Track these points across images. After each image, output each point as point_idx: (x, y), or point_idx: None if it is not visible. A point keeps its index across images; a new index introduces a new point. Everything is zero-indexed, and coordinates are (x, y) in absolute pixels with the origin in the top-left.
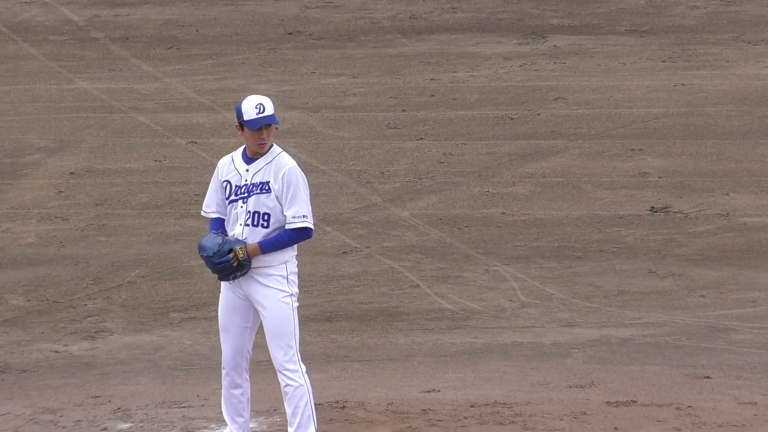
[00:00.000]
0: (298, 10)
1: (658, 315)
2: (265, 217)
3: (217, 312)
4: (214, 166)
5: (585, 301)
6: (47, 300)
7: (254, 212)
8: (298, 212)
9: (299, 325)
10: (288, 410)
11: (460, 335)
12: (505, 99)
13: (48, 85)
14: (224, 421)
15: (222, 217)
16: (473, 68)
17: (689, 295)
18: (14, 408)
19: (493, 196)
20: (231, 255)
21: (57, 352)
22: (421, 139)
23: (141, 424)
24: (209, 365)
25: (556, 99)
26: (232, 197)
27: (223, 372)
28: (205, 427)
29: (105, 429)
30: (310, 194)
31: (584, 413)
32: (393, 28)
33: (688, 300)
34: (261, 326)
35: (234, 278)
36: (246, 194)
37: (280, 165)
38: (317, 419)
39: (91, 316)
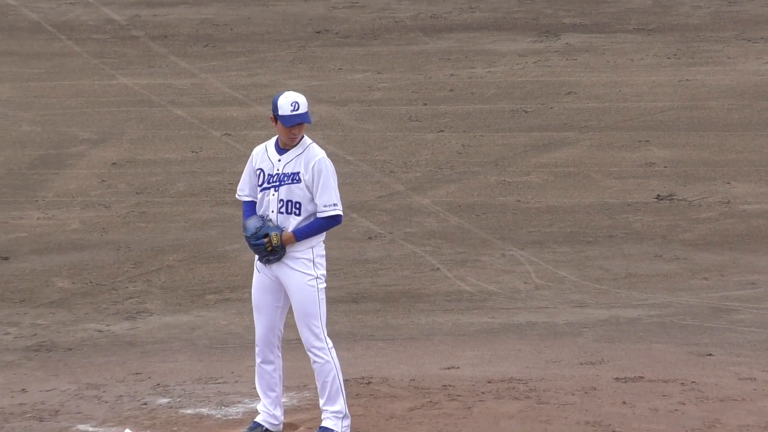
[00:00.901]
0: (325, 10)
1: (664, 296)
2: (297, 206)
3: (249, 294)
4: (247, 156)
5: (595, 283)
6: (91, 283)
7: (287, 201)
8: (329, 201)
9: (326, 305)
10: (318, 385)
11: (478, 315)
12: (520, 93)
13: (91, 80)
14: (257, 395)
15: (254, 200)
16: (490, 64)
17: (693, 277)
18: (60, 384)
19: (509, 184)
20: (266, 240)
21: (100, 331)
22: (442, 131)
23: (179, 399)
24: (243, 344)
25: (568, 93)
26: (265, 185)
27: (257, 349)
28: (239, 402)
29: (145, 404)
30: (338, 183)
31: (594, 388)
32: (415, 26)
33: (691, 282)
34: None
35: (267, 261)
36: (278, 183)
37: (311, 156)
38: (346, 392)
39: (132, 297)
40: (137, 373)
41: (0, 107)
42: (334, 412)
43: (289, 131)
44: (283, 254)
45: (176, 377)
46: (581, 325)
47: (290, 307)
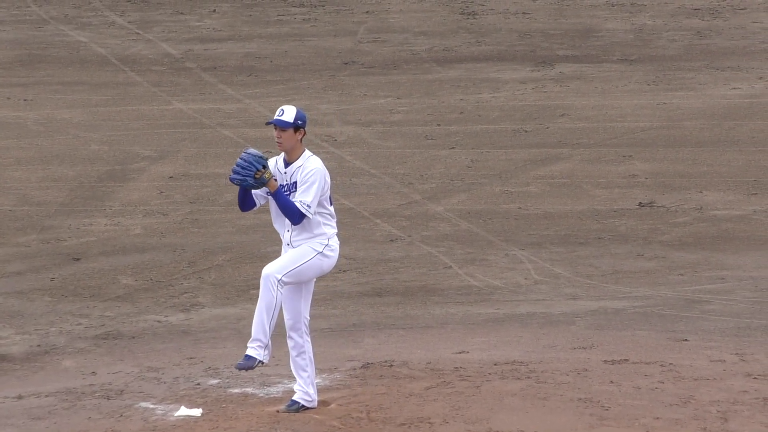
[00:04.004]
0: (352, 44)
1: (645, 290)
2: None
3: None
4: None
5: (586, 278)
6: (151, 280)
7: None
8: (305, 201)
9: (310, 272)
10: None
11: (485, 307)
12: (520, 115)
13: (151, 106)
14: (293, 375)
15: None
16: (495, 90)
17: (670, 273)
18: (125, 367)
19: (511, 194)
20: (262, 168)
21: (159, 322)
22: (453, 148)
23: (227, 380)
24: (282, 332)
25: (562, 115)
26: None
27: (287, 336)
28: (280, 383)
29: (198, 384)
30: (364, 193)
31: (586, 369)
32: (429, 58)
33: (669, 277)
34: (315, 295)
35: (244, 184)
36: (287, 192)
37: (306, 166)
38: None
39: (186, 292)
40: (191, 358)
41: (72, 129)
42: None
43: (275, 133)
44: (259, 188)
45: (225, 361)
46: (574, 315)
47: (312, 297)
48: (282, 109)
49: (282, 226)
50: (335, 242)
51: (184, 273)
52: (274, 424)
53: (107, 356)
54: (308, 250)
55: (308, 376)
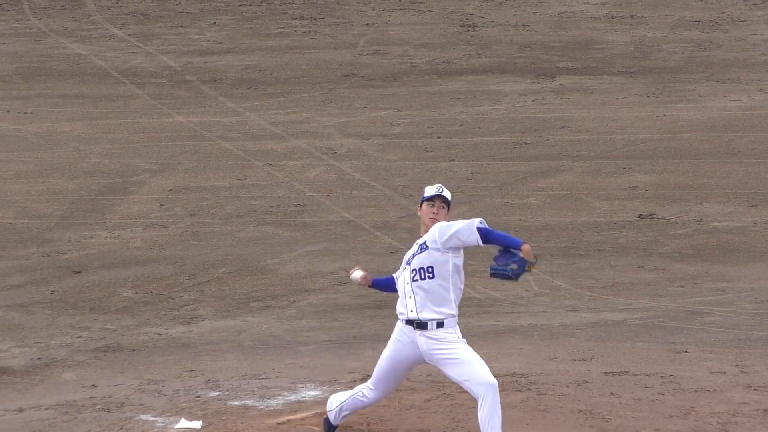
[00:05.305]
0: (352, 57)
1: (646, 301)
2: (429, 269)
3: (288, 301)
4: (286, 183)
5: (586, 290)
6: (151, 292)
7: (418, 269)
8: (475, 221)
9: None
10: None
11: (485, 319)
12: (521, 127)
13: (151, 119)
14: (295, 389)
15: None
16: (495, 102)
17: (670, 285)
18: (125, 380)
19: (512, 206)
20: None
21: (159, 334)
22: (453, 160)
23: (227, 392)
24: (282, 344)
25: (562, 127)
26: (404, 264)
27: (367, 390)
28: (280, 395)
29: (198, 396)
30: (364, 205)
31: (586, 381)
32: (430, 70)
33: (669, 289)
34: (314, 307)
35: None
36: (417, 252)
37: (436, 228)
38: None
39: (186, 305)
40: (191, 370)
41: (73, 142)
42: None
43: (430, 210)
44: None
45: (225, 373)
46: (574, 327)
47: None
48: (440, 187)
49: (403, 297)
50: (458, 330)
51: (185, 285)
52: None
53: (107, 369)
54: (459, 349)
55: (347, 415)
